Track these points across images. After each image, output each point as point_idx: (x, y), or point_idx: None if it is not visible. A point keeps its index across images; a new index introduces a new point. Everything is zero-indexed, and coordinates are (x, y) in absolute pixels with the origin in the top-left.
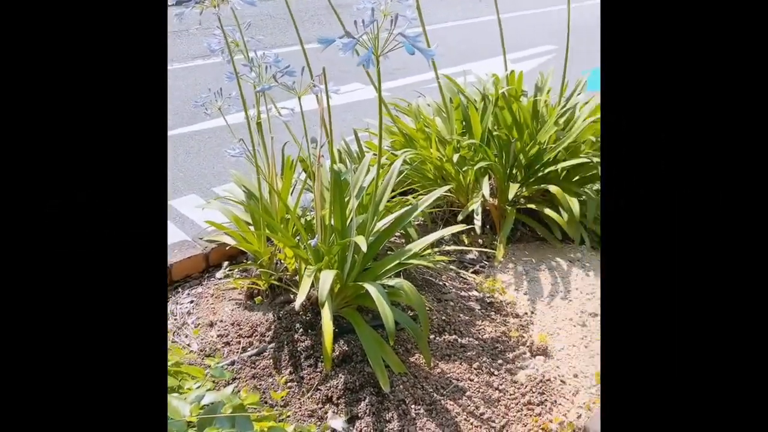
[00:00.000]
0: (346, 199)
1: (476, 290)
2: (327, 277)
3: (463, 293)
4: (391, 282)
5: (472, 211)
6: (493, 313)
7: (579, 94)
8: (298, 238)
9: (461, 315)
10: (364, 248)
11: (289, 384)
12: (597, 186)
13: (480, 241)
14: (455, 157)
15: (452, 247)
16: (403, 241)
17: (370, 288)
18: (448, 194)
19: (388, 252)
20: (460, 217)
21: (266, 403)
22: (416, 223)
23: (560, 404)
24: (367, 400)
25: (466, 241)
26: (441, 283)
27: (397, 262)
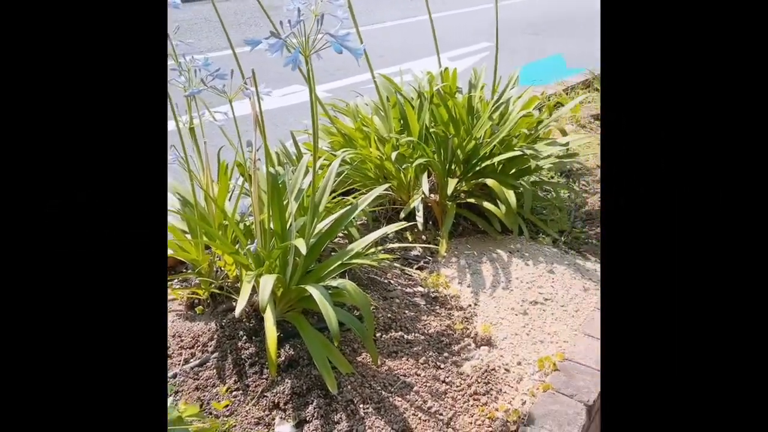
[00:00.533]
0: (284, 202)
1: (421, 286)
2: (267, 281)
3: (408, 290)
4: (335, 283)
5: (414, 208)
6: (437, 307)
7: (512, 88)
8: (237, 244)
9: (407, 311)
10: (303, 251)
11: (234, 393)
12: (532, 178)
13: (423, 237)
14: (394, 155)
15: (396, 245)
16: (347, 241)
17: (313, 290)
18: (390, 192)
19: (332, 253)
20: (402, 215)
21: (211, 414)
22: (359, 222)
23: (505, 392)
24: (314, 403)
25: (410, 238)
26: (386, 281)
27: (340, 262)
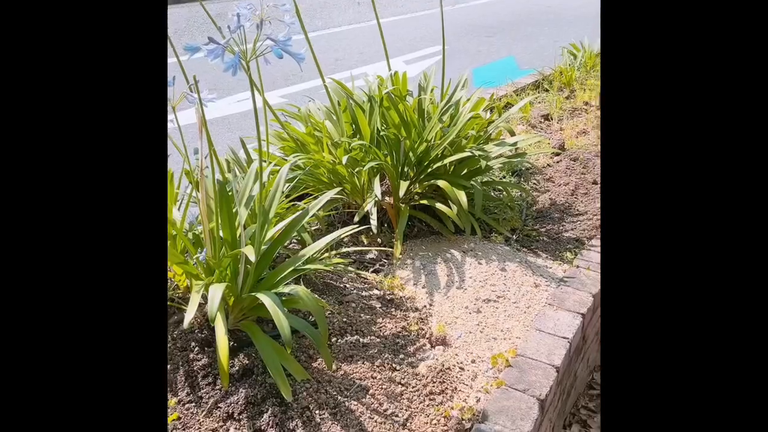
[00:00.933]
0: (234, 210)
1: (377, 289)
2: (216, 291)
3: (364, 293)
4: (287, 289)
5: (368, 211)
6: (393, 309)
7: (462, 90)
8: (187, 254)
9: (362, 315)
10: (252, 258)
11: (186, 405)
12: (484, 178)
13: (379, 240)
14: (345, 159)
15: (352, 249)
16: (301, 247)
17: (264, 298)
18: (344, 196)
19: (287, 259)
20: (356, 219)
21: None
22: (314, 228)
23: (460, 390)
24: (269, 412)
25: (366, 242)
26: (342, 285)
27: (292, 268)
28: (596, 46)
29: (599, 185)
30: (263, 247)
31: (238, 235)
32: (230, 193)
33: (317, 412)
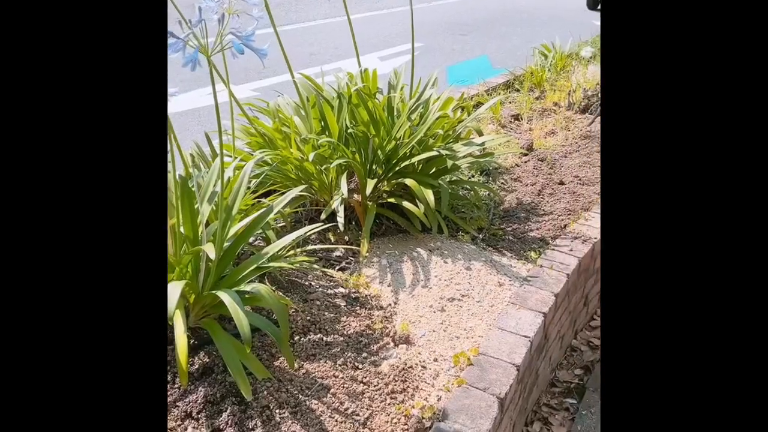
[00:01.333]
0: (196, 206)
1: (342, 287)
2: (174, 289)
3: (329, 291)
4: (249, 287)
5: (335, 209)
6: (358, 307)
7: (432, 88)
8: None
9: (326, 313)
10: (212, 256)
11: None
12: (452, 177)
13: (346, 237)
14: (311, 156)
15: (318, 246)
16: (266, 244)
17: (224, 296)
18: (311, 194)
19: (251, 256)
20: (323, 216)
21: None
22: (280, 225)
23: (422, 389)
24: (228, 411)
25: (333, 239)
26: (307, 283)
27: (255, 266)
28: (567, 47)
29: (565, 186)
30: (225, 244)
31: (200, 231)
32: (192, 189)
33: (277, 411)
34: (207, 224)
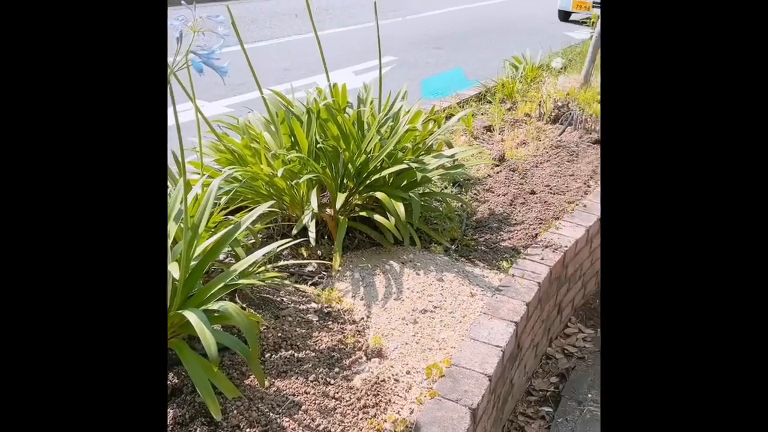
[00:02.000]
0: None
1: (314, 302)
2: None
3: (301, 306)
4: (217, 306)
5: (306, 223)
6: (330, 322)
7: (402, 101)
8: None
9: (298, 329)
10: (176, 275)
11: None
12: (423, 189)
13: (319, 252)
14: (281, 171)
15: (291, 262)
16: (235, 262)
17: (190, 315)
18: (282, 209)
19: (220, 274)
20: (294, 231)
21: None
22: (251, 241)
23: (394, 402)
24: None
25: (305, 254)
26: (279, 299)
27: (223, 284)
28: (537, 59)
29: (536, 195)
30: (192, 262)
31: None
32: None
33: (248, 430)
34: (175, 242)
